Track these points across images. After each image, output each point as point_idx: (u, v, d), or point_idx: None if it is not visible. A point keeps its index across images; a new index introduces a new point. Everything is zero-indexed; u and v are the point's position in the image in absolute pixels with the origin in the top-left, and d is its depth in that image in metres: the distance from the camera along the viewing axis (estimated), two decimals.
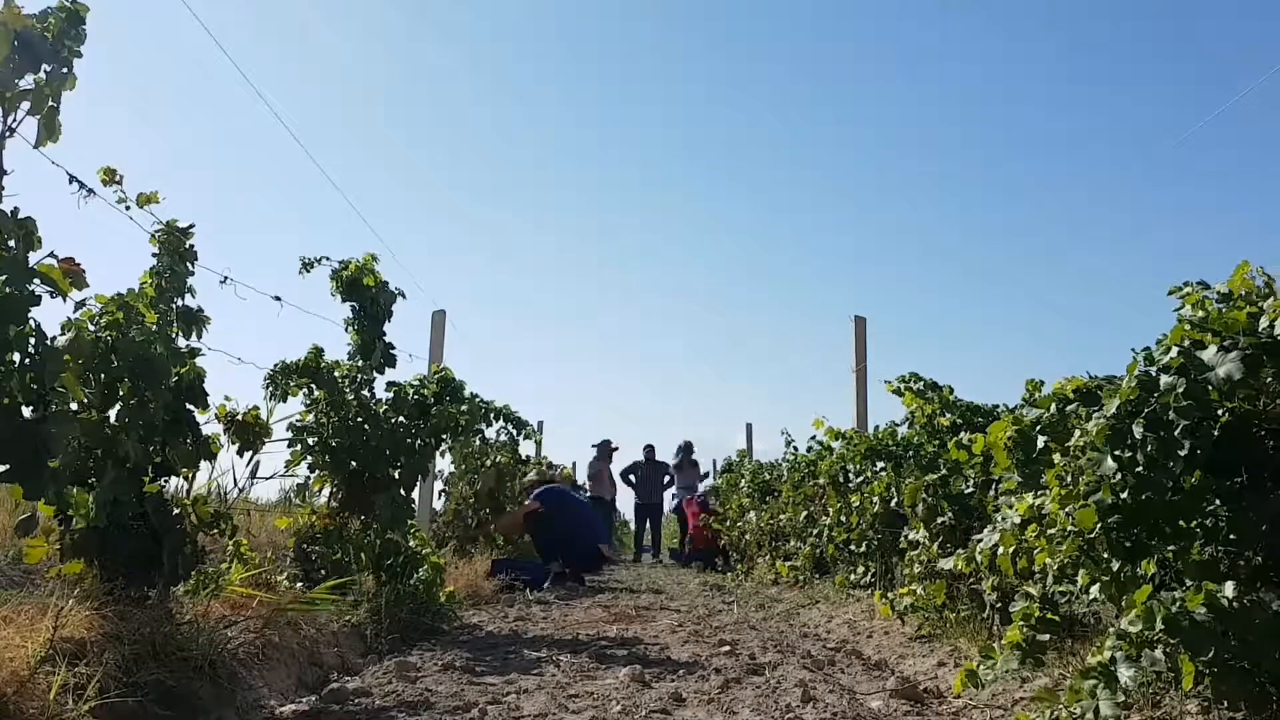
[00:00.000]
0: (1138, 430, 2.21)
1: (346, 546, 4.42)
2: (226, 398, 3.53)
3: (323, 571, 4.32)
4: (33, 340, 2.21)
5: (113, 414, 2.79)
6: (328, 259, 4.71)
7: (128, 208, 3.05)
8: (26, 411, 2.22)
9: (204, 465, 3.21)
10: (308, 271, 4.64)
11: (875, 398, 8.37)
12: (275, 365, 4.41)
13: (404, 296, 4.95)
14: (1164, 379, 2.22)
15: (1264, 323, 2.17)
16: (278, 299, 4.46)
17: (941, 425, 4.95)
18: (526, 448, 10.83)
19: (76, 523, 2.76)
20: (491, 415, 6.80)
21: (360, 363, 4.73)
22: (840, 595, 6.11)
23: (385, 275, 4.87)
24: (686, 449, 14.88)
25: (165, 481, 3.05)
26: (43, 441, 2.14)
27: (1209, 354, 2.18)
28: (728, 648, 4.27)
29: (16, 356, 2.18)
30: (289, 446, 4.43)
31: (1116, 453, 2.26)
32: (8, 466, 2.09)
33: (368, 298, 4.81)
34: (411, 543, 4.83)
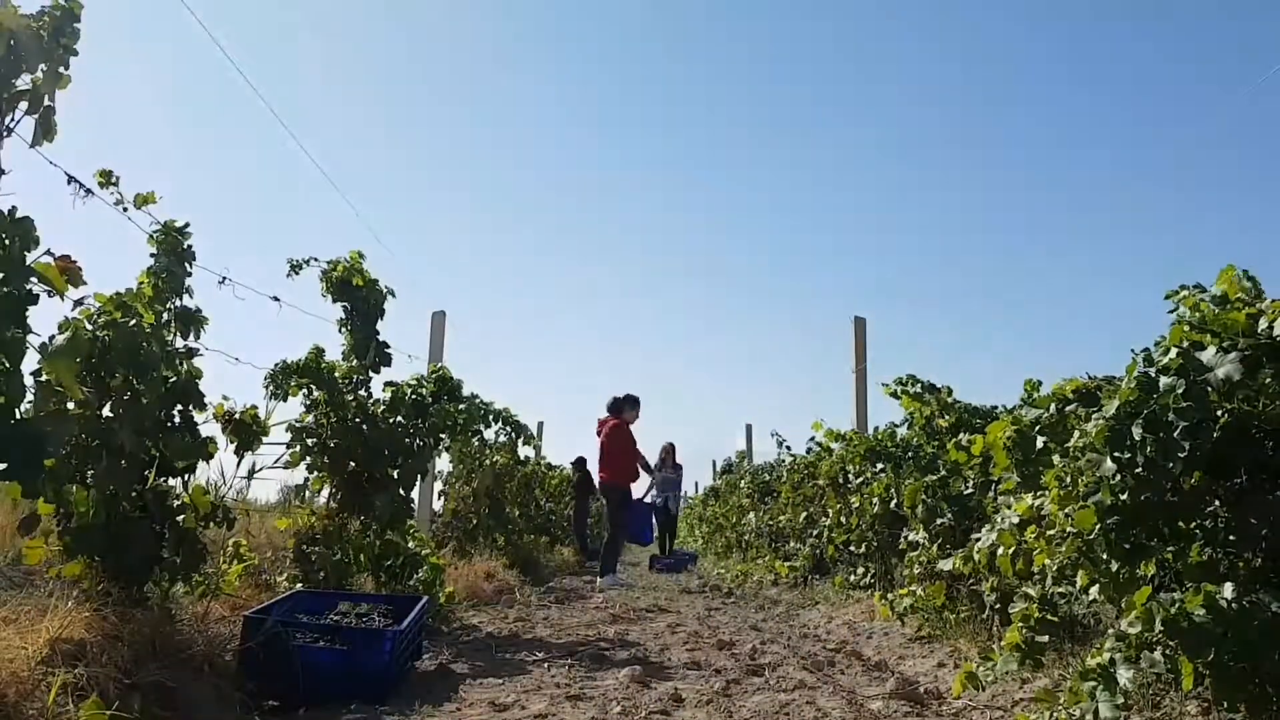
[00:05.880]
0: (1137, 431, 2.21)
1: (346, 547, 4.42)
2: (225, 397, 3.53)
3: (322, 573, 4.31)
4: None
5: (107, 409, 2.80)
6: (316, 260, 4.70)
7: (125, 209, 3.05)
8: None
9: (202, 466, 3.21)
10: (296, 273, 4.63)
11: (875, 399, 8.34)
12: (276, 365, 4.40)
13: (394, 295, 4.93)
14: (1163, 380, 2.22)
15: (1263, 324, 2.17)
16: (276, 299, 4.45)
17: (940, 427, 4.94)
18: (525, 450, 10.80)
19: (75, 520, 2.76)
20: (490, 416, 6.80)
21: (355, 362, 4.73)
22: (840, 596, 6.11)
23: (380, 275, 4.86)
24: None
25: (164, 481, 3.06)
26: (39, 440, 2.14)
27: (1208, 355, 2.17)
28: (728, 649, 4.27)
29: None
30: (288, 447, 4.43)
31: (1116, 454, 2.25)
32: (5, 465, 2.09)
33: (358, 297, 4.80)
34: (411, 543, 4.83)
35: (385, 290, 4.88)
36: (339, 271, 4.73)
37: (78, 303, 2.70)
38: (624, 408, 9.07)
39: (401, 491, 4.67)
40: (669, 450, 13.18)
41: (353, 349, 4.75)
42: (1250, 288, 2.31)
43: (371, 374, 4.76)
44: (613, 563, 8.50)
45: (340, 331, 4.81)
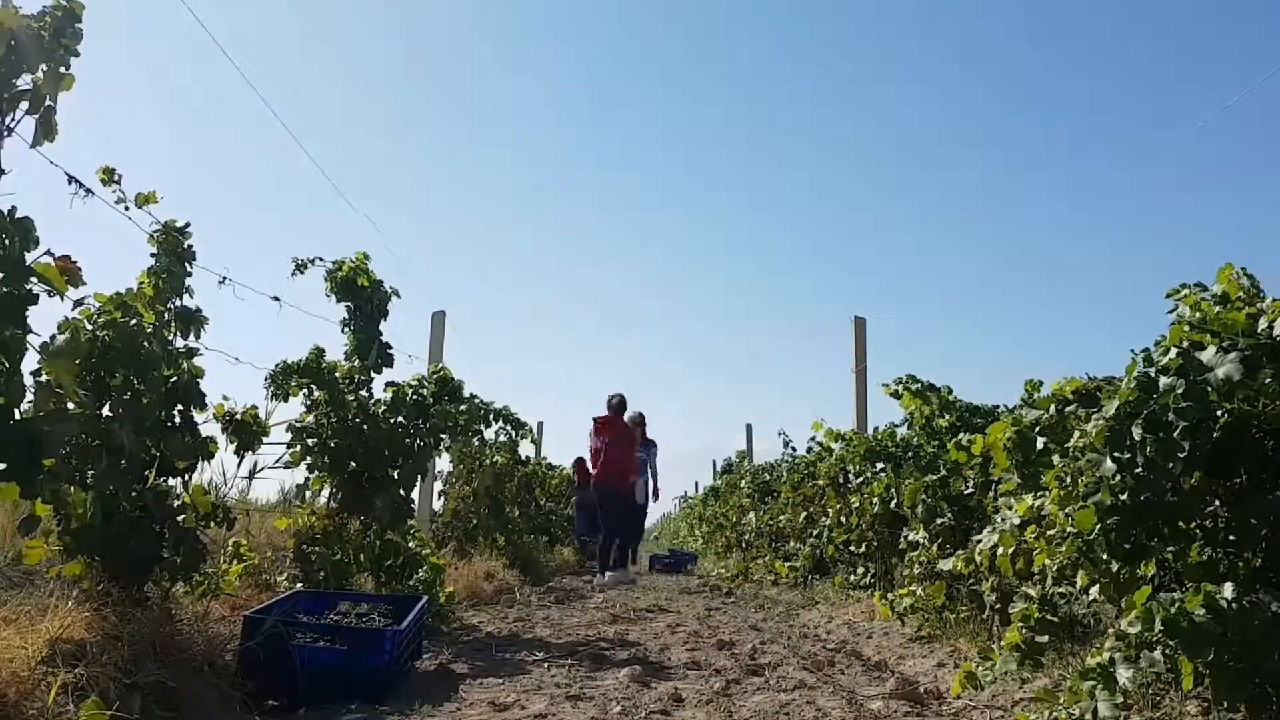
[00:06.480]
0: (1137, 432, 2.21)
1: (346, 547, 4.42)
2: (225, 397, 3.54)
3: (322, 573, 4.31)
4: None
5: (106, 408, 2.80)
6: (321, 259, 4.70)
7: (126, 208, 3.05)
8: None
9: (201, 466, 3.22)
10: (301, 273, 4.63)
11: (875, 398, 8.35)
12: (276, 366, 4.41)
13: (398, 295, 4.94)
14: (1163, 380, 2.22)
15: (1263, 324, 2.17)
16: (276, 299, 4.46)
17: (940, 426, 4.95)
18: (525, 448, 10.80)
19: (72, 522, 2.76)
20: (490, 416, 6.80)
21: (357, 363, 4.73)
22: (840, 596, 6.11)
23: (383, 275, 4.87)
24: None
25: (164, 481, 3.06)
26: (38, 440, 2.14)
27: (1208, 355, 2.18)
28: (728, 648, 4.27)
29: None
30: (288, 448, 4.43)
31: (1116, 454, 2.26)
32: (4, 466, 2.09)
33: (363, 298, 4.80)
34: (411, 543, 4.83)
35: (389, 291, 4.88)
36: (344, 272, 4.73)
37: (78, 303, 2.69)
38: (623, 409, 9.15)
39: (402, 492, 4.67)
40: (638, 421, 10.42)
41: (355, 349, 4.75)
42: (1248, 286, 2.32)
43: (374, 374, 4.77)
44: (608, 560, 8.64)
45: (343, 331, 4.81)
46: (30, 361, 2.23)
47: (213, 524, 3.18)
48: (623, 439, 9.08)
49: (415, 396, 4.83)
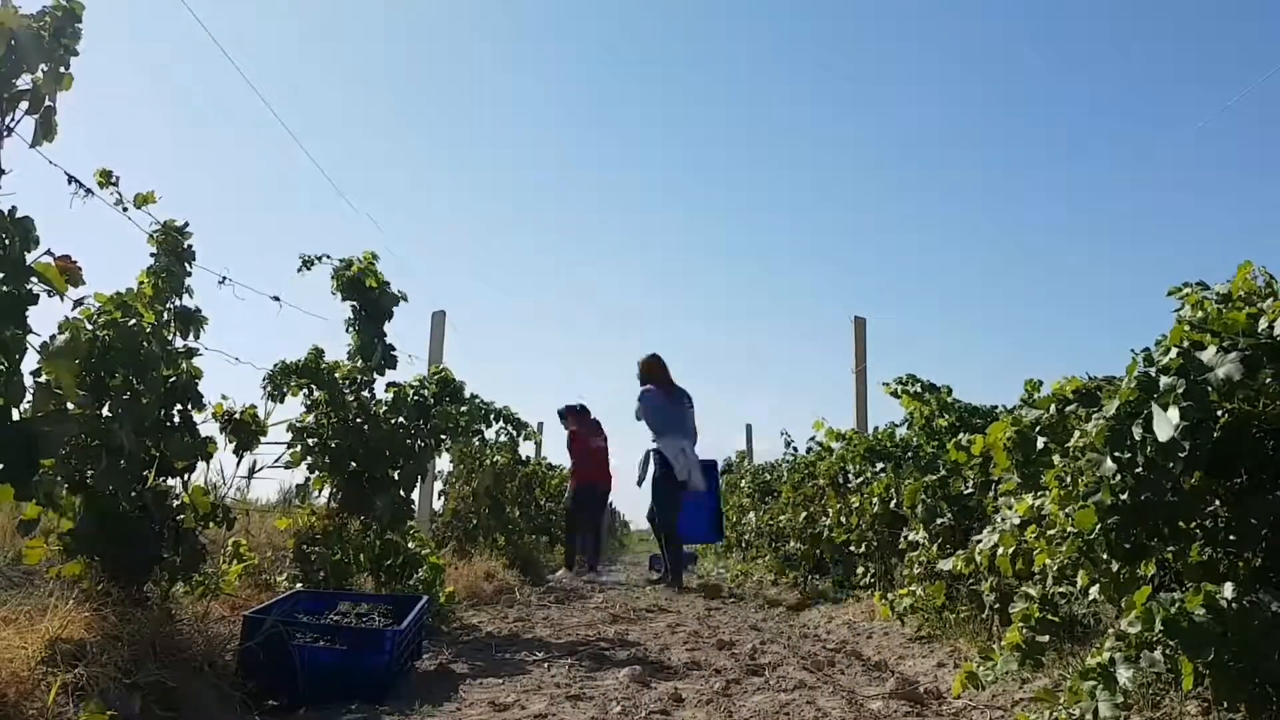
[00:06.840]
0: (1137, 431, 2.21)
1: (346, 547, 4.42)
2: (224, 396, 3.54)
3: (322, 573, 4.31)
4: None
5: (105, 408, 2.80)
6: (328, 257, 4.70)
7: (125, 210, 3.06)
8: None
9: (201, 466, 3.22)
10: (307, 269, 4.62)
11: (875, 398, 8.37)
12: (275, 366, 4.40)
13: (405, 299, 4.94)
14: (1163, 380, 2.21)
15: (1263, 324, 2.17)
16: (276, 299, 4.45)
17: (940, 426, 4.95)
18: (526, 448, 10.82)
19: (63, 524, 2.77)
20: (491, 416, 6.80)
21: (360, 363, 4.73)
22: (840, 596, 6.11)
23: (385, 275, 4.86)
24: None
25: (164, 481, 3.06)
26: (36, 440, 2.13)
27: (1208, 355, 2.17)
28: (728, 648, 4.27)
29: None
30: (288, 448, 4.43)
31: (1116, 454, 2.26)
32: (2, 466, 2.09)
33: (369, 299, 4.80)
34: (411, 543, 4.83)
35: (398, 294, 4.88)
36: (353, 271, 4.73)
37: (78, 302, 2.69)
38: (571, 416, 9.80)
39: (402, 492, 4.67)
40: (652, 367, 7.96)
41: (359, 350, 4.75)
42: (1262, 286, 2.31)
43: (376, 375, 4.77)
44: (596, 559, 8.98)
45: (347, 331, 4.80)
46: (30, 361, 2.24)
47: (212, 524, 3.19)
48: (595, 437, 9.74)
49: (416, 397, 4.83)
